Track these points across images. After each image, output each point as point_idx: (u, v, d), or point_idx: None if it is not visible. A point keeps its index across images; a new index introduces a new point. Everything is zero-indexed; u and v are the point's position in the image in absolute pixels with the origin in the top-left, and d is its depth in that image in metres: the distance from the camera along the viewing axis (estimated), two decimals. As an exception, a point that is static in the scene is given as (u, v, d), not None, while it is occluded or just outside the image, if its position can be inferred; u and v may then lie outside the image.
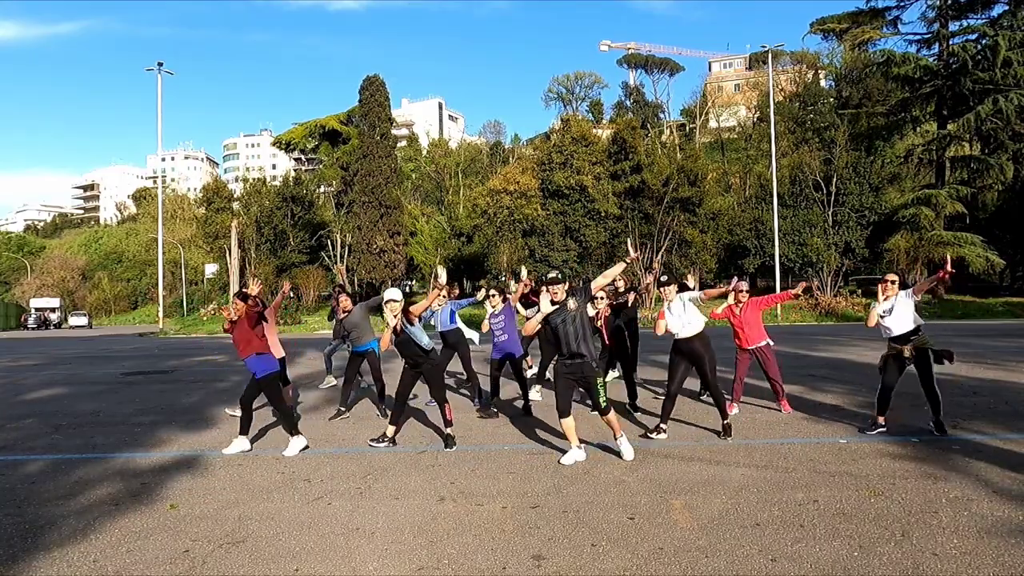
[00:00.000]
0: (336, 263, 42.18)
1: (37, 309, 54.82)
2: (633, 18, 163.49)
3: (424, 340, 6.28)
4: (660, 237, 36.88)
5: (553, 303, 5.51)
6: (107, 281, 67.46)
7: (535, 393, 8.57)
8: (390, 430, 6.33)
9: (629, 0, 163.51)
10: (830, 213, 36.16)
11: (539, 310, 5.58)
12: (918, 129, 36.97)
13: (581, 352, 5.44)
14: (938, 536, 3.78)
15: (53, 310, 55.62)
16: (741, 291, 7.45)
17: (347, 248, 40.38)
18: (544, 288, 5.63)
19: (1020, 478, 4.82)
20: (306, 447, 6.19)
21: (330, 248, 43.21)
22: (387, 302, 6.28)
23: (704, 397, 8.31)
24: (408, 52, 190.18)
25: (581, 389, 5.69)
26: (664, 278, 6.38)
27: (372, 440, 6.33)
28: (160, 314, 37.10)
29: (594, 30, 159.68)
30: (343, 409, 7.97)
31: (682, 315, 6.29)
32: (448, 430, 6.28)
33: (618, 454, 5.61)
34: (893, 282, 6.20)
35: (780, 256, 32.00)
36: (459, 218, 50.57)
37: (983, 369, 10.66)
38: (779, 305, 30.02)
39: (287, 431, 6.27)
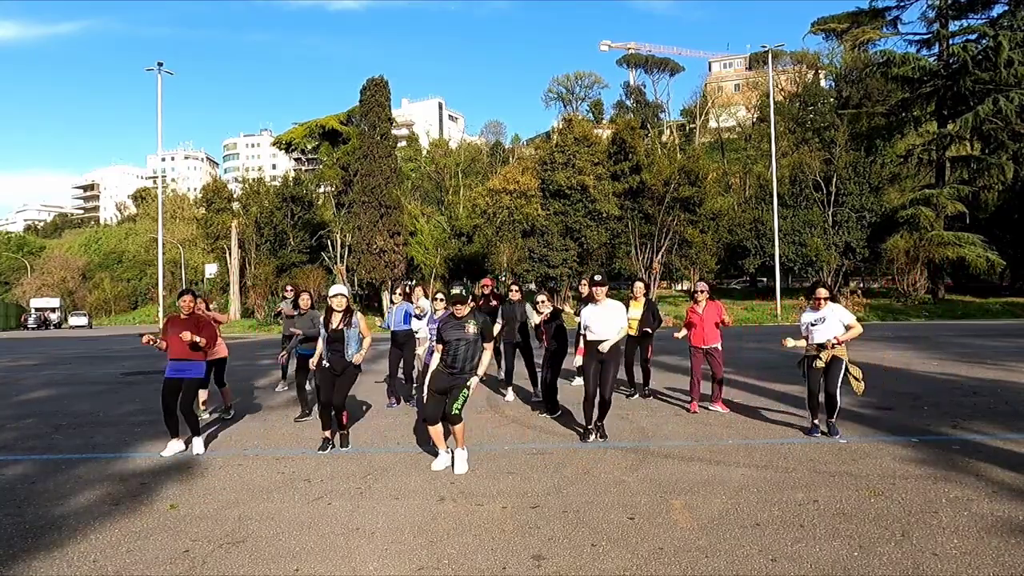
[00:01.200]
0: (336, 263, 42.20)
1: (37, 309, 54.78)
2: (633, 18, 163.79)
3: (352, 350, 6.20)
4: (660, 237, 36.87)
5: (456, 318, 5.50)
6: (108, 281, 67.44)
7: (510, 394, 8.90)
8: (327, 433, 6.26)
9: (629, 0, 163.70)
10: (830, 213, 36.18)
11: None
12: (918, 129, 36.95)
13: (465, 370, 5.42)
14: (938, 536, 3.78)
15: (53, 310, 55.58)
16: (703, 291, 7.81)
17: (347, 248, 40.38)
18: (449, 302, 5.66)
19: (1020, 478, 4.82)
20: (183, 451, 6.18)
21: (330, 248, 43.20)
22: (332, 296, 6.24)
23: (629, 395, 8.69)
24: (408, 52, 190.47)
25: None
26: (598, 278, 6.40)
27: (319, 449, 6.18)
28: (160, 314, 37.06)
29: (594, 30, 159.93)
30: (308, 412, 7.89)
31: (606, 317, 6.26)
32: (340, 432, 6.30)
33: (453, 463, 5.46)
34: (825, 298, 6.39)
35: (780, 256, 32.01)
36: (459, 218, 50.57)
37: (983, 369, 10.67)
38: (779, 305, 30.08)
39: (192, 432, 6.24)
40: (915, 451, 5.67)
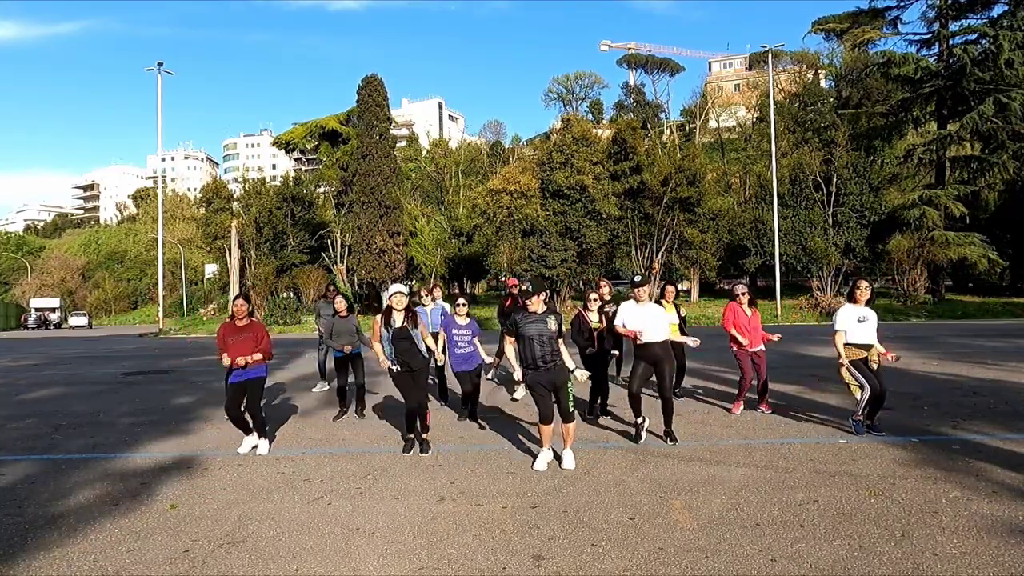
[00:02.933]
0: (336, 263, 42.20)
1: (37, 309, 54.77)
2: (633, 18, 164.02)
3: (422, 345, 6.07)
4: (660, 237, 36.86)
5: (532, 312, 5.43)
6: (108, 281, 67.47)
7: (520, 391, 8.85)
8: (411, 435, 6.15)
9: (629, 0, 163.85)
10: (830, 213, 36.16)
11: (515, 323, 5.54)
12: (919, 129, 36.92)
13: (554, 360, 5.39)
14: (938, 536, 3.78)
15: (53, 310, 55.57)
16: (744, 293, 7.56)
17: (347, 248, 40.37)
18: (522, 299, 5.57)
19: (1020, 478, 4.81)
20: (255, 447, 6.25)
21: (330, 248, 43.20)
22: (393, 295, 6.05)
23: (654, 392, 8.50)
24: (408, 52, 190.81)
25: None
26: (638, 279, 6.32)
27: (404, 451, 6.04)
28: (160, 314, 37.06)
29: (594, 30, 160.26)
30: (345, 410, 8.04)
31: (651, 319, 6.18)
32: (425, 435, 6.15)
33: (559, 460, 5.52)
34: (868, 288, 6.34)
35: (781, 256, 32.01)
36: (459, 218, 50.58)
37: (983, 369, 10.66)
38: (780, 306, 30.11)
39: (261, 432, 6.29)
40: (915, 451, 5.67)
